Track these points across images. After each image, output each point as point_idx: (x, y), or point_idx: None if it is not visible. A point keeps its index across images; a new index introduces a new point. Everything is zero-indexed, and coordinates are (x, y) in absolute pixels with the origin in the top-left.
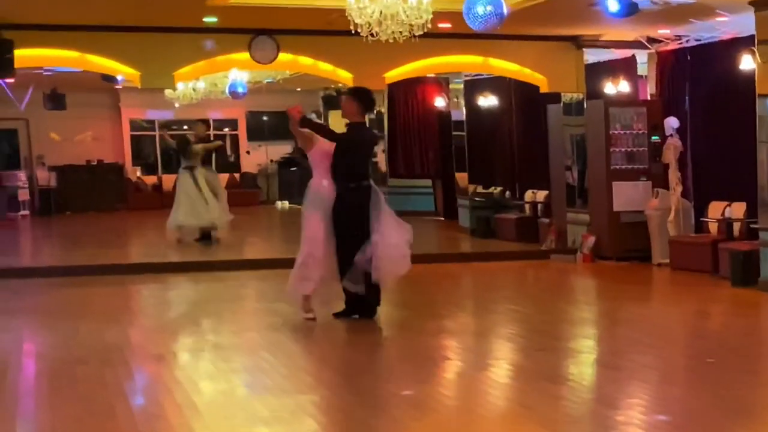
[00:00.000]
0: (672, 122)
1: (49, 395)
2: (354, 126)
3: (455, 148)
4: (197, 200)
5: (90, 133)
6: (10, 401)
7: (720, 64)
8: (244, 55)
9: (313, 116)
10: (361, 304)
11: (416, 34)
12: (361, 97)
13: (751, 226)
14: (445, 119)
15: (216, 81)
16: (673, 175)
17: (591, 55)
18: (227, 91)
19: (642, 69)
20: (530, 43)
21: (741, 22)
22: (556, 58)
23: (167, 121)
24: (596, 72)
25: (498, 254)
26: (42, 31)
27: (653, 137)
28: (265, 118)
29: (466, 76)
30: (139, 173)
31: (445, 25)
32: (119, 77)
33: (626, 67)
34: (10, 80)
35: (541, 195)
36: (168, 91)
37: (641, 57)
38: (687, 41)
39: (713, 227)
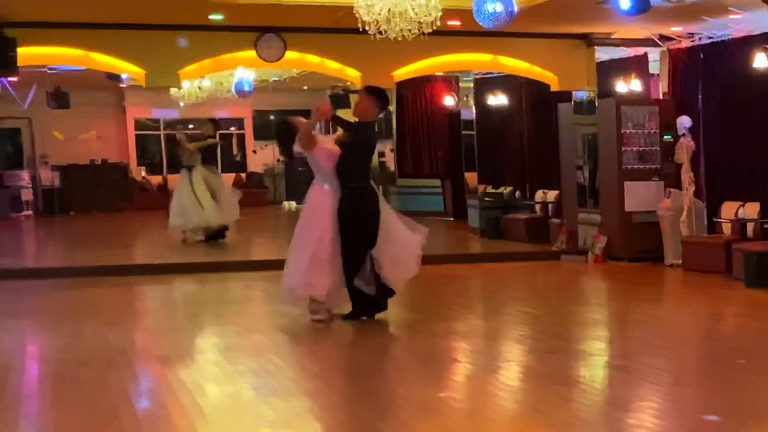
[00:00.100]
0: (684, 121)
1: (52, 398)
2: (368, 125)
3: (465, 147)
4: (189, 201)
5: (94, 132)
6: (13, 404)
7: (733, 63)
8: (251, 53)
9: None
10: (369, 305)
11: (425, 31)
12: (379, 95)
13: (765, 226)
14: (455, 118)
15: (222, 79)
16: (686, 175)
17: (602, 53)
18: (233, 89)
19: (654, 67)
20: (541, 41)
21: (754, 20)
22: (567, 56)
23: (172, 120)
24: (608, 70)
25: (508, 255)
26: (45, 28)
27: (665, 136)
28: (271, 117)
29: (475, 74)
30: (143, 173)
31: (454, 23)
32: (124, 76)
33: (638, 66)
34: (14, 79)
35: (551, 195)
36: (173, 90)
37: (653, 55)
38: (700, 39)
39: (726, 228)
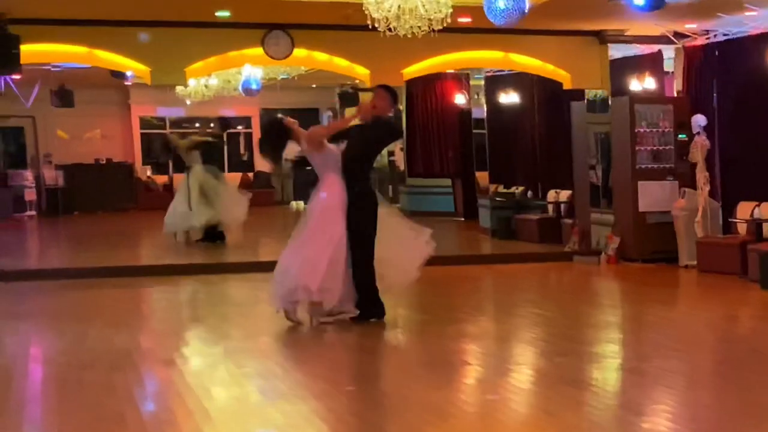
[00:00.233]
0: (699, 120)
1: (56, 401)
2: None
3: (475, 146)
4: (179, 203)
5: (99, 130)
6: (17, 407)
7: (749, 60)
8: (258, 51)
9: (330, 114)
10: (380, 306)
11: (435, 28)
12: (393, 92)
13: None
14: (465, 117)
15: (229, 77)
16: (701, 175)
17: (616, 51)
18: (240, 87)
19: (668, 65)
20: (553, 38)
21: None
22: (580, 54)
23: (178, 118)
24: (621, 68)
25: (519, 256)
26: (49, 25)
27: (680, 135)
28: (279, 115)
29: (486, 72)
30: (149, 172)
31: (465, 20)
32: (129, 73)
33: (652, 63)
34: (17, 76)
35: (564, 195)
36: (179, 88)
37: (668, 52)
38: (715, 36)
39: (742, 228)
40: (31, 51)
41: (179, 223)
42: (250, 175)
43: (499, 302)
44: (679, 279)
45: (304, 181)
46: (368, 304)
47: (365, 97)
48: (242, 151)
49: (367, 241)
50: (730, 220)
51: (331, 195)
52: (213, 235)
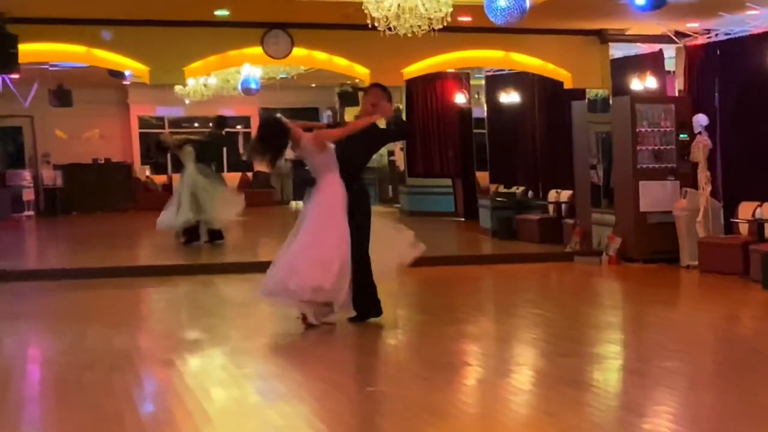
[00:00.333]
0: (701, 119)
1: (54, 402)
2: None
3: (476, 146)
4: (171, 203)
5: (97, 130)
6: (15, 408)
7: (751, 59)
8: (257, 50)
9: (330, 114)
10: (376, 306)
11: (435, 27)
12: (387, 91)
13: None
14: (466, 116)
15: (228, 77)
16: (702, 175)
17: (617, 50)
18: (240, 87)
19: (670, 64)
20: (553, 38)
21: None
22: (581, 53)
23: (177, 118)
24: (622, 67)
25: (520, 256)
26: (47, 24)
27: (681, 135)
28: (279, 115)
29: (487, 71)
30: (148, 172)
31: (465, 19)
32: (127, 73)
33: (653, 63)
34: (15, 76)
35: (564, 195)
36: (178, 88)
37: (669, 52)
38: (716, 35)
39: (743, 228)
40: (29, 50)
41: (164, 221)
42: (250, 174)
43: (500, 303)
44: (680, 279)
45: (304, 181)
46: (367, 304)
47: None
48: (241, 150)
49: (366, 241)
50: (731, 220)
51: (334, 195)
52: (211, 235)
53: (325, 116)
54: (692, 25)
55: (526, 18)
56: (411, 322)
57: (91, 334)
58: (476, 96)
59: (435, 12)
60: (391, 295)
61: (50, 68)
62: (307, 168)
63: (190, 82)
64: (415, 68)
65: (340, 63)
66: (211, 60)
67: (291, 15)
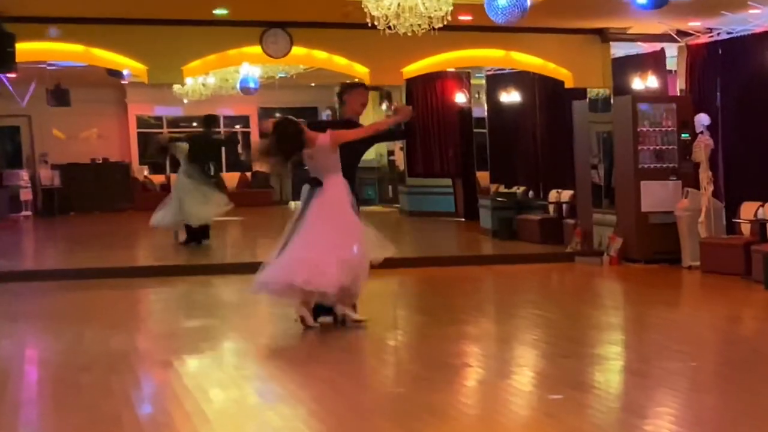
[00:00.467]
0: (703, 119)
1: (52, 403)
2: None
3: (476, 145)
4: (166, 202)
5: (95, 130)
6: (13, 409)
7: (753, 58)
8: (256, 49)
9: (329, 113)
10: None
11: (435, 26)
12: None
13: None
14: (466, 116)
15: (227, 76)
16: (704, 174)
17: (618, 49)
18: (238, 86)
19: (671, 63)
20: (554, 36)
21: None
22: (582, 52)
23: (176, 117)
24: (623, 66)
25: (521, 257)
26: (45, 23)
27: (683, 135)
28: (277, 114)
29: (487, 70)
30: (146, 172)
31: (465, 18)
32: (126, 72)
33: (655, 62)
34: (12, 75)
35: (565, 195)
36: (176, 87)
37: (670, 51)
38: (718, 34)
39: (745, 228)
40: (26, 49)
41: (157, 218)
42: (249, 174)
43: (500, 303)
44: (682, 280)
45: (303, 181)
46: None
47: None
48: (240, 150)
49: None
50: (733, 220)
51: (344, 194)
52: (195, 234)
53: (325, 116)
54: (694, 24)
55: (527, 17)
56: (411, 322)
57: (89, 334)
58: (477, 95)
59: (435, 11)
60: (391, 296)
61: (48, 67)
62: (305, 168)
63: (189, 81)
64: (415, 67)
65: (339, 62)
66: (209, 59)
67: (290, 14)
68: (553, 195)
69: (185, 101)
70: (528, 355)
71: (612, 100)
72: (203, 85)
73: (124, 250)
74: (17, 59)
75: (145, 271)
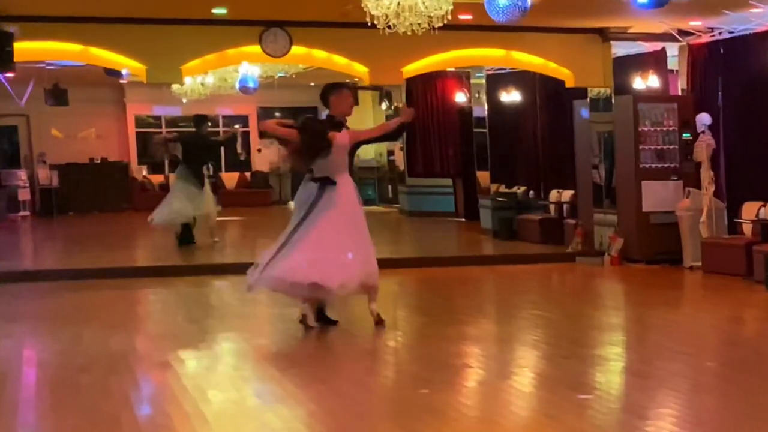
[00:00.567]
0: (704, 119)
1: (51, 404)
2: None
3: (476, 145)
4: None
5: (93, 129)
6: (10, 411)
7: (754, 58)
8: (255, 49)
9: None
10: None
11: (435, 26)
12: None
13: None
14: (466, 115)
15: (226, 75)
16: (706, 174)
17: (619, 48)
18: (237, 86)
19: (672, 63)
20: (555, 36)
21: None
22: (583, 52)
23: (174, 117)
24: (624, 66)
25: (521, 257)
26: (43, 23)
27: (684, 134)
28: (277, 114)
29: (488, 70)
30: (145, 172)
31: (465, 17)
32: (124, 71)
33: (656, 61)
34: (10, 74)
35: (566, 195)
36: (175, 86)
37: (672, 50)
38: (720, 33)
39: (747, 229)
40: (25, 49)
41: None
42: (248, 174)
43: (501, 304)
44: (683, 280)
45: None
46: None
47: (364, 96)
48: (239, 150)
49: None
50: (735, 220)
51: (356, 194)
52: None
53: (324, 116)
54: (695, 23)
55: (527, 16)
56: (411, 323)
57: (88, 335)
58: (477, 95)
59: (435, 10)
60: (391, 296)
61: (46, 67)
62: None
63: (188, 80)
64: (415, 67)
65: (339, 61)
66: (208, 58)
67: (289, 13)
68: (553, 195)
69: (184, 101)
70: (528, 356)
71: (613, 100)
72: (202, 84)
73: (123, 250)
74: (15, 58)
75: (144, 272)
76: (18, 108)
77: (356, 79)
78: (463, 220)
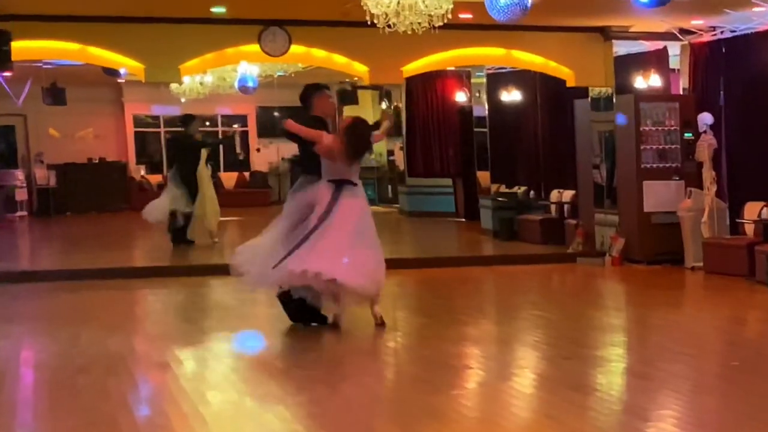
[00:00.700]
0: (706, 118)
1: (48, 406)
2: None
3: (477, 145)
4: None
5: (91, 129)
6: (8, 412)
7: (756, 57)
8: (254, 48)
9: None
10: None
11: (436, 25)
12: None
13: None
14: (467, 115)
15: (225, 75)
16: (707, 174)
17: (620, 47)
18: (236, 85)
19: (674, 62)
20: (556, 35)
21: None
22: (584, 51)
23: (173, 117)
24: (626, 65)
25: (522, 257)
26: (41, 21)
27: (686, 134)
28: (276, 113)
29: (488, 69)
30: (143, 172)
31: (466, 16)
32: (122, 71)
33: (657, 60)
34: (7, 74)
35: (567, 195)
36: (174, 86)
37: (673, 49)
38: (722, 32)
39: (749, 229)
40: (22, 47)
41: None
42: (246, 174)
43: (501, 304)
44: (685, 281)
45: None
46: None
47: (364, 95)
48: (238, 150)
49: None
50: (737, 220)
51: (365, 196)
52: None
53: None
54: (697, 22)
55: (528, 15)
56: (411, 324)
57: (86, 336)
58: (477, 94)
59: (435, 9)
60: (390, 297)
61: (44, 66)
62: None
63: (186, 80)
64: (415, 66)
65: (338, 61)
66: (207, 58)
67: (289, 12)
68: (554, 195)
69: (183, 100)
70: (529, 357)
71: (614, 99)
72: (201, 83)
73: (121, 250)
74: (13, 57)
75: (142, 272)
76: (15, 107)
77: (356, 79)
78: (464, 220)
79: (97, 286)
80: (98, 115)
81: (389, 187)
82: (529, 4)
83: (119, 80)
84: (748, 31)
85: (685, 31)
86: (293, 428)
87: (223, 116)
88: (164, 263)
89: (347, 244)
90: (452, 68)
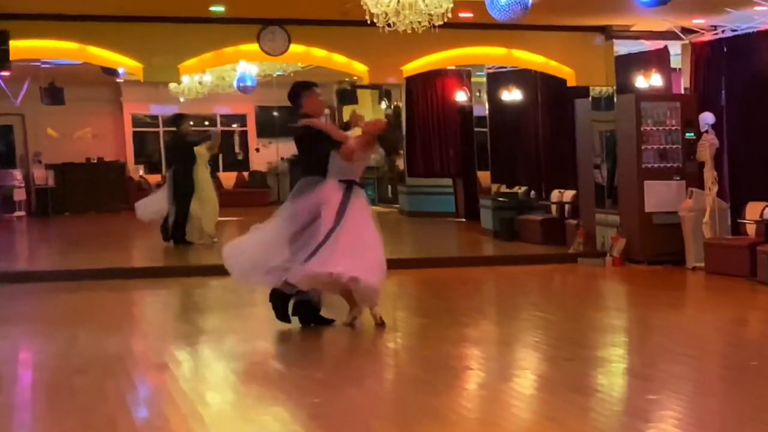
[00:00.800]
0: (707, 118)
1: (46, 407)
2: None
3: (477, 145)
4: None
5: (90, 129)
6: (6, 413)
7: (758, 56)
8: (254, 47)
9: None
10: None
11: (436, 24)
12: None
13: None
14: (467, 115)
15: (223, 74)
16: (709, 174)
17: (621, 47)
18: (235, 84)
19: (675, 61)
20: (557, 34)
21: None
22: (585, 50)
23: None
24: (627, 64)
25: (522, 258)
26: (39, 20)
27: (687, 134)
28: (275, 113)
29: (488, 68)
30: (141, 172)
31: (466, 15)
32: (121, 70)
33: (659, 60)
34: (6, 73)
35: (568, 195)
36: (172, 85)
37: (674, 48)
38: (723, 32)
39: (751, 229)
40: (20, 47)
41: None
42: (245, 174)
43: (502, 305)
44: (686, 281)
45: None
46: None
47: (363, 94)
48: (237, 150)
49: None
50: (738, 221)
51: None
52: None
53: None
54: (698, 22)
55: (529, 14)
56: (411, 324)
57: (84, 337)
58: (477, 94)
59: (435, 8)
60: (390, 297)
61: (42, 65)
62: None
63: (185, 79)
64: (415, 65)
65: (338, 60)
66: (206, 57)
67: (288, 11)
68: (555, 195)
69: (181, 100)
70: (530, 358)
71: (615, 99)
72: (200, 83)
73: (120, 251)
74: (11, 57)
75: (140, 273)
76: (13, 107)
77: (355, 78)
78: (464, 220)
79: (95, 286)
80: (97, 114)
81: (389, 187)
82: (529, 3)
83: (118, 80)
84: (750, 31)
85: (686, 31)
86: (292, 429)
87: (222, 116)
88: (163, 263)
89: (363, 244)
90: (452, 67)
